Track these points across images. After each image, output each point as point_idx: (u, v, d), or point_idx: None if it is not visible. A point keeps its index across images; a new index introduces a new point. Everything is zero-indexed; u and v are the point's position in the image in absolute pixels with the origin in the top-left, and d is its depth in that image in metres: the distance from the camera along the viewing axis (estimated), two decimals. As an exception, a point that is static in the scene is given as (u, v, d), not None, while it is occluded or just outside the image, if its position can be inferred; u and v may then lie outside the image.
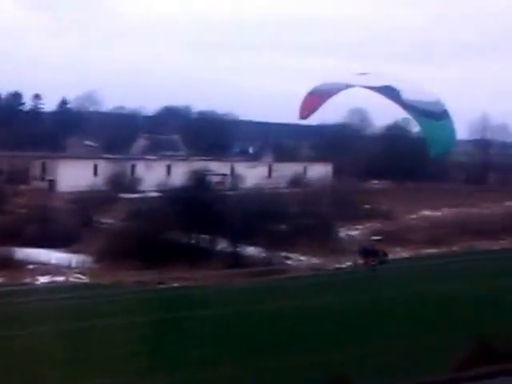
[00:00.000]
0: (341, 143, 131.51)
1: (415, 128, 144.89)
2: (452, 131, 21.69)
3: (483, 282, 57.57)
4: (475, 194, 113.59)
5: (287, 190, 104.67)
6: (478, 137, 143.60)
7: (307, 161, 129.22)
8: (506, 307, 47.98)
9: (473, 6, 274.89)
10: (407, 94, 20.81)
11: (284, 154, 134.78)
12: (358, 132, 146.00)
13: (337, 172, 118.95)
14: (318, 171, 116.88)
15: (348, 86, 22.70)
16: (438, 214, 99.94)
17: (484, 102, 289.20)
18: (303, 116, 23.62)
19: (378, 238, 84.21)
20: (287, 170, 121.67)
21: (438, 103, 21.24)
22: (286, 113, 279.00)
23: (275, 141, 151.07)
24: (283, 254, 73.19)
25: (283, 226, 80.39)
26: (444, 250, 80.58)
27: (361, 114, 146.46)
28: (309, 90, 23.25)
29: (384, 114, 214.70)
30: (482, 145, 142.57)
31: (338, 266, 71.71)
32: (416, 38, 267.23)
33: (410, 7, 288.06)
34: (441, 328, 42.40)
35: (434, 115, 21.10)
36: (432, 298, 52.19)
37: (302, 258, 73.84)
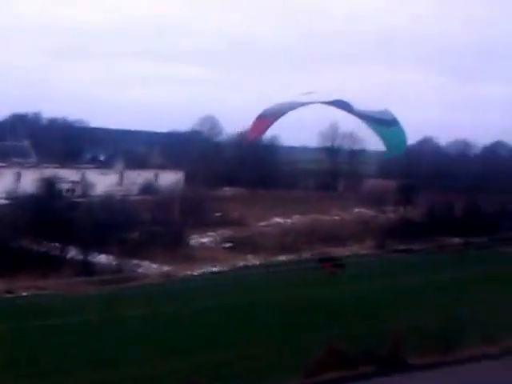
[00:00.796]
0: (192, 150, 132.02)
1: (265, 136, 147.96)
2: (403, 135, 23.22)
3: (332, 288, 59.16)
4: (325, 201, 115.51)
5: (139, 198, 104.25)
6: (327, 144, 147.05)
7: (159, 168, 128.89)
8: (356, 311, 49.12)
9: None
10: (358, 106, 22.17)
11: (136, 161, 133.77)
12: (210, 139, 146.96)
13: (188, 179, 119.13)
14: (170, 178, 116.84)
15: (302, 104, 23.41)
16: (289, 220, 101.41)
17: (333, 111, 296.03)
18: (252, 138, 24.12)
19: (230, 244, 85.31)
20: (139, 178, 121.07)
21: (387, 112, 22.67)
22: (138, 120, 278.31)
23: (127, 148, 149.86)
24: (134, 261, 72.85)
25: (135, 234, 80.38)
26: (295, 256, 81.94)
27: (211, 121, 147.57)
28: (259, 113, 23.82)
29: (234, 122, 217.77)
30: (331, 152, 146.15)
31: (189, 273, 71.72)
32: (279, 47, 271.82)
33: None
34: (293, 333, 42.53)
35: (386, 122, 22.54)
36: (283, 304, 52.50)
37: (154, 265, 73.62)
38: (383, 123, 22.77)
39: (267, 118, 23.60)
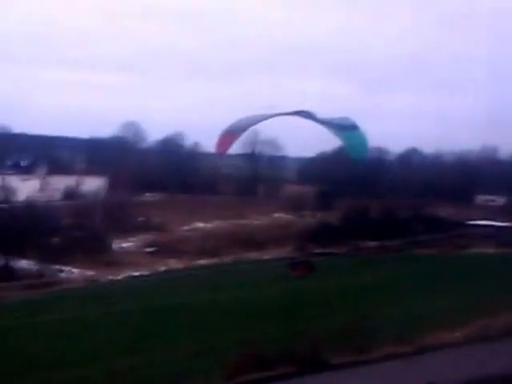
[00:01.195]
0: (115, 156, 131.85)
1: (187, 142, 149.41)
2: (364, 139, 25.00)
3: (253, 290, 60.87)
4: (245, 206, 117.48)
5: (61, 203, 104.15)
6: (248, 151, 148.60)
7: (82, 174, 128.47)
8: (276, 314, 49.64)
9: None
10: (321, 115, 24.20)
11: (58, 166, 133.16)
12: (133, 145, 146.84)
13: (111, 185, 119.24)
14: (93, 184, 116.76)
15: (267, 117, 25.02)
16: (210, 225, 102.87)
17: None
18: (219, 152, 25.30)
19: (152, 249, 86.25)
20: (61, 183, 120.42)
21: (347, 119, 24.51)
22: (61, 126, 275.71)
23: (50, 154, 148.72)
24: (57, 266, 73.37)
25: (57, 239, 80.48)
26: (216, 260, 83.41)
27: (134, 127, 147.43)
28: (225, 128, 25.12)
29: (157, 128, 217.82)
30: (251, 158, 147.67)
31: (112, 277, 72.65)
32: (182, 56, 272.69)
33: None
34: (211, 336, 43.15)
35: (347, 128, 24.42)
36: (204, 307, 53.64)
37: (76, 270, 74.24)
38: (345, 128, 25.07)
39: (234, 133, 25.29)
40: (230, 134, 25.91)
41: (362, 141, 25.44)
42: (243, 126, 26.06)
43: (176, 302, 55.68)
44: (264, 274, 70.89)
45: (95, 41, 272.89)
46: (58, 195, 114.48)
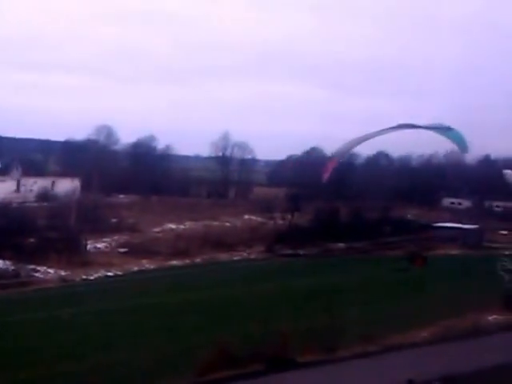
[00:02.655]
0: (88, 158, 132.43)
1: (159, 145, 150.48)
2: (462, 134, 27.47)
3: (224, 290, 62.29)
4: (217, 208, 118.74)
5: (35, 205, 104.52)
6: (219, 154, 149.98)
7: (56, 176, 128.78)
8: (245, 313, 51.30)
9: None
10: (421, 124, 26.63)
11: (32, 168, 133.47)
12: (106, 148, 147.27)
13: (85, 187, 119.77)
14: (67, 186, 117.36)
15: (373, 136, 27.13)
16: (182, 227, 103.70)
17: (225, 122, 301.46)
18: (325, 178, 27.17)
19: (125, 249, 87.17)
20: (35, 185, 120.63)
21: (441, 123, 26.91)
22: (35, 128, 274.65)
23: (24, 156, 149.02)
24: (31, 266, 74.01)
25: (32, 240, 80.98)
26: (188, 261, 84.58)
27: (107, 130, 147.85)
28: (331, 155, 27.30)
29: (129, 131, 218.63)
30: (222, 161, 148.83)
31: (86, 277, 73.66)
32: (154, 59, 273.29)
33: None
34: (182, 335, 44.49)
35: (447, 129, 26.84)
36: (176, 306, 55.20)
37: (50, 270, 74.89)
38: (447, 130, 27.62)
39: (336, 158, 27.40)
40: (334, 159, 27.98)
41: (462, 136, 28.25)
42: (347, 149, 28.14)
43: (151, 301, 56.78)
44: (230, 274, 72.24)
45: (67, 44, 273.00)
46: (32, 197, 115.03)
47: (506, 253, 70.26)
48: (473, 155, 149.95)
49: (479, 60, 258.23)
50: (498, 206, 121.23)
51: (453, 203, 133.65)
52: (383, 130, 28.04)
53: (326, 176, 27.49)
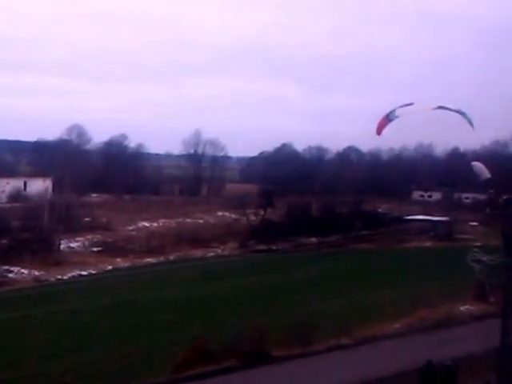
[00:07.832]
0: (60, 158, 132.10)
1: (131, 144, 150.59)
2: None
3: (197, 287, 62.81)
4: (190, 205, 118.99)
5: (8, 205, 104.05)
6: (191, 151, 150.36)
7: (28, 176, 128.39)
8: (220, 309, 52.19)
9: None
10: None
11: (4, 169, 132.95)
12: (77, 148, 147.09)
13: (57, 187, 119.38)
14: (39, 186, 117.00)
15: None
16: (155, 224, 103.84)
17: (197, 119, 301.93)
18: (379, 132, 27.53)
19: (99, 248, 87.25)
20: (7, 185, 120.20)
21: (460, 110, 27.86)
22: (4, 128, 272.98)
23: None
24: (5, 267, 73.83)
25: (4, 241, 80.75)
26: (162, 258, 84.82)
27: (79, 130, 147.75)
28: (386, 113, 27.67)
29: (101, 131, 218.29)
30: (194, 159, 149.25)
31: (60, 277, 73.59)
32: (124, 58, 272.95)
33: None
34: (157, 332, 44.81)
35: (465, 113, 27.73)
36: (150, 304, 55.57)
37: (24, 270, 74.63)
38: (463, 113, 28.76)
39: (388, 119, 27.68)
40: (387, 119, 28.38)
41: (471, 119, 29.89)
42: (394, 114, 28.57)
43: (125, 299, 57.05)
44: (202, 271, 72.79)
45: (37, 44, 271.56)
46: (3, 197, 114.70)
47: (477, 244, 71.34)
48: (443, 148, 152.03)
49: (451, 52, 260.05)
50: (467, 198, 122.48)
51: (422, 196, 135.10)
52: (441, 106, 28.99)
53: (378, 131, 28.16)
